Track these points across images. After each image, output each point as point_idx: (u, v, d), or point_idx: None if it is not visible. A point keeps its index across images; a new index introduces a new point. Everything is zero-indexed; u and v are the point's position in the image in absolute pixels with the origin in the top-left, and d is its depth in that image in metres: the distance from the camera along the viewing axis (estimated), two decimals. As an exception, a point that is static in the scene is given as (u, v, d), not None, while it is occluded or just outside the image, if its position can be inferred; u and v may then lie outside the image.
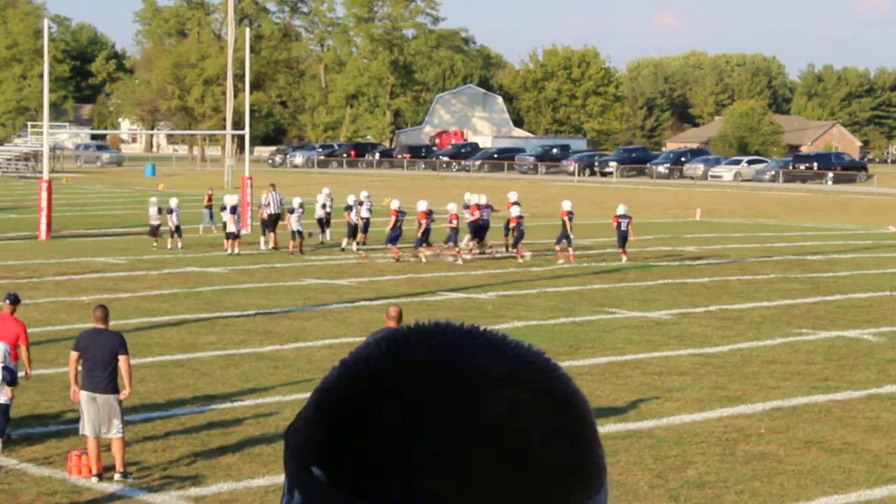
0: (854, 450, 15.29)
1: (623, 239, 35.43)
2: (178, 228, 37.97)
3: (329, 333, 23.00)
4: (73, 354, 13.91)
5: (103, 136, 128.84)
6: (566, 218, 35.05)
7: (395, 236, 35.79)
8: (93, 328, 14.02)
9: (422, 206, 35.28)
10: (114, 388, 13.73)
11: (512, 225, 36.43)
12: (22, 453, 14.72)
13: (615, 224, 35.84)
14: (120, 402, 13.77)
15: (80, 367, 13.94)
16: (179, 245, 37.59)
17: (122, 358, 13.72)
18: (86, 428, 13.65)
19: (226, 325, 23.95)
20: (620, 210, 35.78)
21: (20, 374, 14.95)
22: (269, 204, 38.85)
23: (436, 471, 1.01)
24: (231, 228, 36.69)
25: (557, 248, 35.54)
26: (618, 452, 14.91)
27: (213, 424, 16.12)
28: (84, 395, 13.66)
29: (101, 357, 13.64)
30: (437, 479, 1.01)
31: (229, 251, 36.42)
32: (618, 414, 16.88)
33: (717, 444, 15.50)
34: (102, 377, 13.63)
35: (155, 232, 38.58)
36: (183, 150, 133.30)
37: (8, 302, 15.06)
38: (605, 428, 16.13)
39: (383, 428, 1.02)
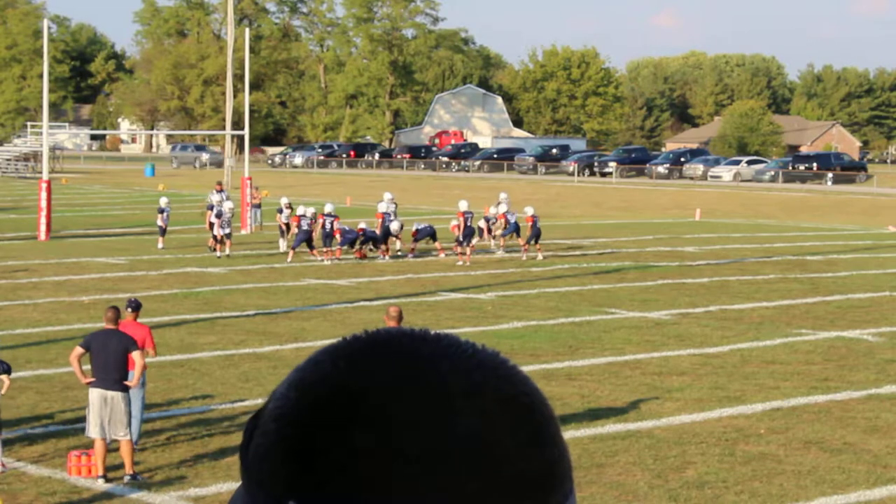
0: (854, 450, 15.29)
1: (537, 235, 36.25)
2: (163, 230, 38.00)
3: (329, 334, 22.98)
4: (78, 350, 13.90)
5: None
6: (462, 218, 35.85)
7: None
8: (103, 329, 14.06)
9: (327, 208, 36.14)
10: (124, 388, 13.78)
11: (528, 223, 36.80)
12: (22, 453, 14.71)
13: (531, 223, 36.29)
14: (128, 402, 13.81)
15: (83, 366, 13.98)
16: (160, 245, 37.57)
17: (136, 353, 13.84)
18: (92, 430, 13.67)
19: (225, 325, 23.95)
20: (530, 210, 36.66)
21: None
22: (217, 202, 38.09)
23: (415, 496, 0.98)
24: (216, 231, 36.00)
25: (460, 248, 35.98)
26: (617, 452, 14.90)
27: (213, 424, 16.13)
28: (96, 394, 13.69)
29: (114, 357, 13.72)
30: None
31: (219, 254, 35.60)
32: (618, 414, 16.87)
33: (717, 444, 15.49)
34: (113, 377, 13.70)
35: (283, 234, 38.07)
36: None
37: (130, 310, 15.10)
38: (605, 428, 16.15)
39: (355, 457, 0.98)
